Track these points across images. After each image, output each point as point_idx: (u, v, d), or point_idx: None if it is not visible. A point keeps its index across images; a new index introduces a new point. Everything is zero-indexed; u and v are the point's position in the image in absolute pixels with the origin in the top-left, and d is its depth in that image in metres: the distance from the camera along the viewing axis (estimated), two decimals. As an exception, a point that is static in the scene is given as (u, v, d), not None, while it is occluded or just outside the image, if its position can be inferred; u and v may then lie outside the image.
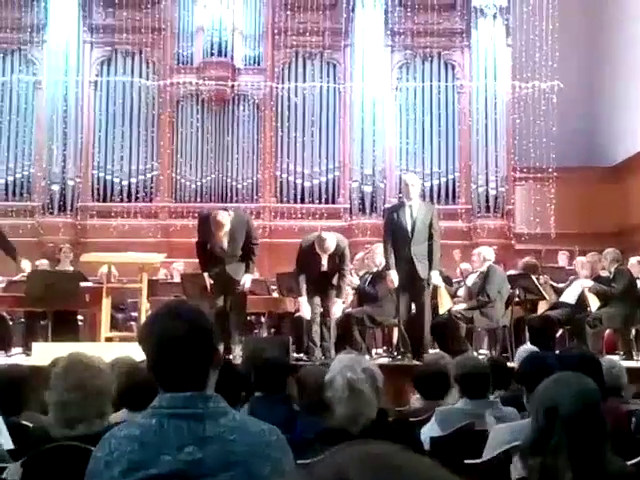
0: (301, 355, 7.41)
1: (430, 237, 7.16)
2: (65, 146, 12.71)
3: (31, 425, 2.88)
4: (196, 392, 1.70)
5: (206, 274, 7.20)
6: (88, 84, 13.13)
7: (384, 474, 0.75)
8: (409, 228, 7.13)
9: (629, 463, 2.29)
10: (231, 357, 6.70)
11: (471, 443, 3.05)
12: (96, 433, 2.46)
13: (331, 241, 7.12)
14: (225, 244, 7.07)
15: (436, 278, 7.25)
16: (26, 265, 7.55)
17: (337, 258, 7.17)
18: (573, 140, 12.55)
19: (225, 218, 6.92)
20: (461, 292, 8.58)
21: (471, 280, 8.43)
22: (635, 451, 2.58)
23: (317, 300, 7.24)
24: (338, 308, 7.30)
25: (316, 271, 7.15)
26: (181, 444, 1.64)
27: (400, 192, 12.24)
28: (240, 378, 3.61)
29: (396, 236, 7.22)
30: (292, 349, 7.26)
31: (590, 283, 8.04)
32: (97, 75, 13.25)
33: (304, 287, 7.19)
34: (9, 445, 2.76)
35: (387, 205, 12.48)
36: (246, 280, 7.16)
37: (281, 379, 3.67)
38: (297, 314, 8.15)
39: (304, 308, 7.21)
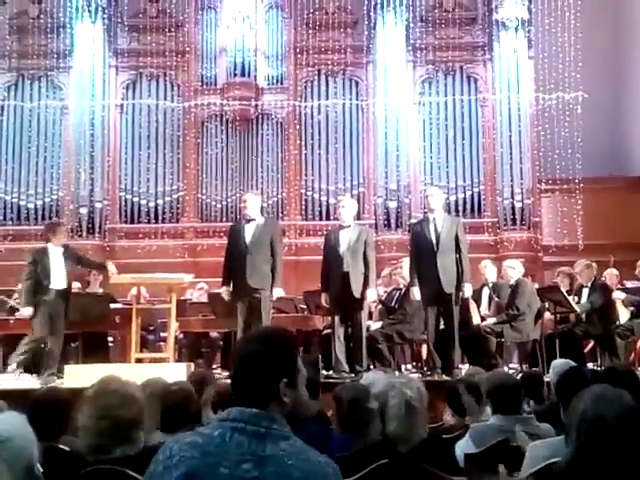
0: (330, 373, 7.39)
1: (457, 250, 7.14)
2: (92, 169, 12.88)
3: (68, 449, 2.89)
4: (263, 411, 1.73)
5: (224, 288, 7.30)
6: (114, 107, 13.31)
7: None
8: (434, 241, 7.12)
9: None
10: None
11: (506, 459, 3.02)
12: (130, 456, 2.47)
13: (347, 199, 7.67)
14: (248, 239, 7.16)
15: (468, 291, 7.19)
16: (112, 269, 7.68)
17: (357, 245, 7.22)
18: (599, 150, 12.45)
19: (251, 196, 7.45)
20: (483, 304, 8.53)
21: (486, 294, 8.41)
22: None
23: (341, 318, 7.25)
24: (372, 294, 7.32)
25: (338, 261, 7.18)
26: (240, 459, 1.66)
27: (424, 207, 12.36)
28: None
29: (421, 249, 7.22)
30: (321, 366, 7.26)
31: (623, 295, 7.95)
32: (123, 98, 13.42)
33: (326, 282, 7.32)
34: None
35: (413, 220, 12.53)
36: (275, 294, 7.20)
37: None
38: (325, 332, 8.16)
39: (322, 297, 7.38)
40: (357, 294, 7.14)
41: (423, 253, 7.19)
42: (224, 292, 7.31)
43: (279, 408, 1.76)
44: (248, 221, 7.35)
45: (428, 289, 7.15)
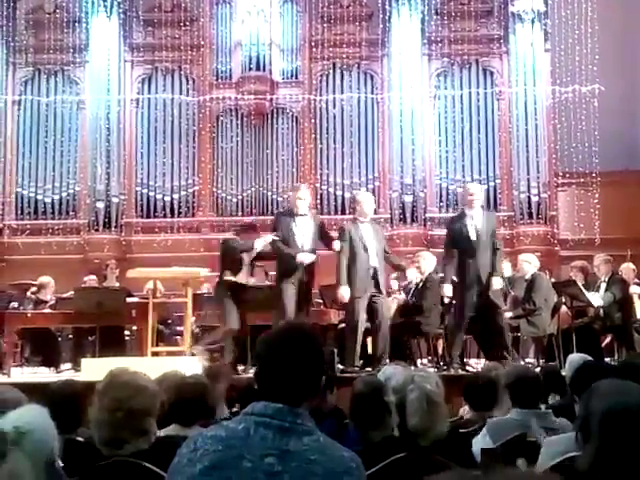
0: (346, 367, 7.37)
1: (494, 245, 7.08)
2: (109, 164, 12.94)
3: (85, 442, 2.91)
4: (287, 406, 1.72)
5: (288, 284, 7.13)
6: (130, 102, 13.36)
7: None
8: (474, 238, 7.00)
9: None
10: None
11: (524, 454, 3.01)
12: (144, 450, 2.48)
13: (363, 194, 7.71)
14: (300, 231, 7.15)
15: (497, 284, 7.11)
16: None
17: (379, 239, 7.17)
18: (616, 143, 12.35)
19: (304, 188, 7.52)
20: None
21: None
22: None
23: (363, 307, 7.21)
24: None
25: (363, 255, 7.09)
26: (263, 453, 1.67)
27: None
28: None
29: (461, 247, 7.07)
30: (337, 360, 7.26)
31: (639, 289, 7.90)
32: (138, 93, 13.47)
33: (344, 275, 7.09)
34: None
35: (428, 214, 12.62)
36: (303, 258, 7.10)
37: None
38: (341, 326, 8.15)
39: (343, 291, 7.05)
40: (382, 289, 7.12)
41: (462, 251, 7.06)
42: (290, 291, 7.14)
43: (308, 404, 1.76)
44: (296, 214, 7.23)
45: (468, 287, 7.00)
